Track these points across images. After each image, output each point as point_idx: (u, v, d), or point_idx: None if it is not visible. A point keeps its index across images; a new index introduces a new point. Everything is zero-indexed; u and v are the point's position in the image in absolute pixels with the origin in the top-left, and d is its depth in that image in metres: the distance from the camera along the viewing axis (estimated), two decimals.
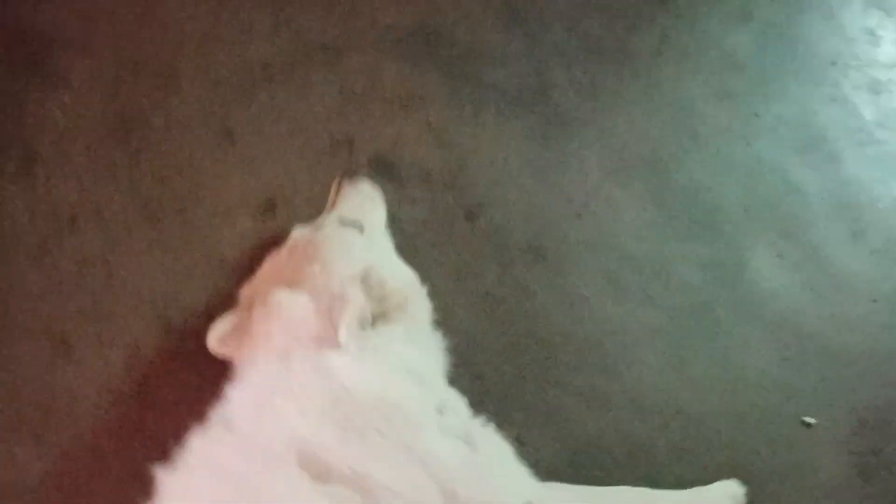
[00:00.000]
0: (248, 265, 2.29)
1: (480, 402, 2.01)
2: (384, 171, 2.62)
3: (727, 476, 2.23)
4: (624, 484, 2.20)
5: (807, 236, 2.64)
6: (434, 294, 2.21)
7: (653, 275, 2.57)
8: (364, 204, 2.29)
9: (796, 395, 2.40)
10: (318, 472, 1.61)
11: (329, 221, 2.17)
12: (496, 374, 2.38)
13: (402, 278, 2.13)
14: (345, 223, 2.14)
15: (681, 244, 2.62)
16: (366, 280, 1.95)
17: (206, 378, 2.04)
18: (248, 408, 1.73)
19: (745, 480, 2.21)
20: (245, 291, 2.08)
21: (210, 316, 2.11)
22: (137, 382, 2.32)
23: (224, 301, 2.17)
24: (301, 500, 1.59)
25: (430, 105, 2.75)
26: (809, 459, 2.32)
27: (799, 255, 2.61)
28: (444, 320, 2.22)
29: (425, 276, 2.22)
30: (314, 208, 2.39)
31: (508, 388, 2.37)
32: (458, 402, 1.91)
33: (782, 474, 2.30)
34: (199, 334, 2.08)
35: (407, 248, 2.43)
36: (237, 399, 1.77)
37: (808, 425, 2.35)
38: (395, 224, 2.47)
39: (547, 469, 2.03)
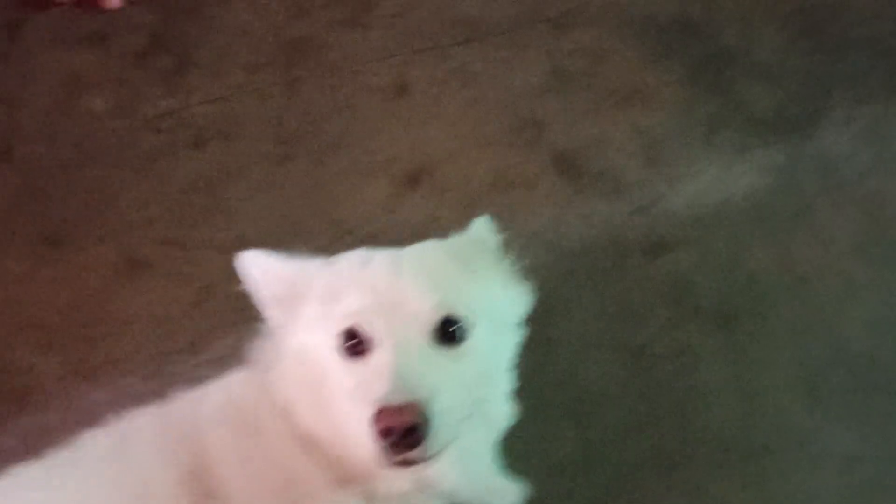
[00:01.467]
0: (367, 238, 1.84)
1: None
2: (566, 171, 2.09)
3: None
4: None
5: None
6: (569, 335, 1.64)
7: (873, 390, 1.84)
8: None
9: None
10: (201, 496, 1.27)
11: None
12: (611, 449, 1.77)
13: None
14: None
15: None
16: None
17: None
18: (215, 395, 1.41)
19: None
20: None
21: None
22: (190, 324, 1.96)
23: None
24: None
25: (653, 107, 2.18)
26: None
27: None
28: (571, 370, 1.65)
29: (567, 308, 1.65)
30: (464, 195, 1.90)
31: (617, 475, 1.76)
32: None
33: None
34: None
35: (558, 268, 1.89)
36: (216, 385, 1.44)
37: None
38: (557, 234, 1.93)
39: None
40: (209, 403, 1.38)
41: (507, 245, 1.41)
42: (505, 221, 1.99)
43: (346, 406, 1.21)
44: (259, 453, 1.30)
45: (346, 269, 1.35)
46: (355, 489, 1.25)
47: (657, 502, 1.74)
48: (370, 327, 1.23)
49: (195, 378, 1.47)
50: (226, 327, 1.92)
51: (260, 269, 1.45)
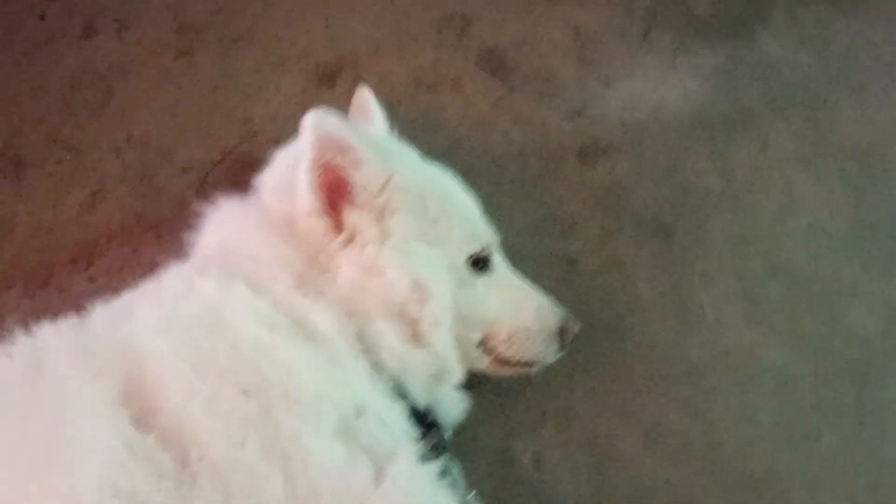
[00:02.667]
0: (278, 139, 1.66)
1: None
2: (495, 70, 1.95)
3: None
4: None
5: None
6: (504, 243, 1.55)
7: (810, 304, 1.78)
8: None
9: None
10: (142, 413, 1.13)
11: None
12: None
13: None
14: None
15: (870, 276, 1.81)
16: None
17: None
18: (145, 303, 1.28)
19: None
20: None
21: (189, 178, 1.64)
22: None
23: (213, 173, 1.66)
24: (98, 440, 1.10)
25: (587, 3, 2.02)
26: None
27: None
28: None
29: (497, 216, 1.51)
30: (386, 92, 1.73)
31: (552, 380, 1.66)
32: (397, 420, 1.28)
33: None
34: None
35: (491, 172, 1.78)
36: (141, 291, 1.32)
37: None
38: (486, 137, 1.80)
39: None
40: (141, 312, 1.23)
41: None
42: (430, 124, 1.86)
43: (448, 317, 1.38)
44: (222, 352, 1.17)
45: (444, 188, 1.47)
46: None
47: (590, 419, 1.65)
48: (489, 251, 1.49)
49: (89, 291, 1.31)
50: (122, 236, 1.75)
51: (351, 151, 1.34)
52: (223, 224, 1.41)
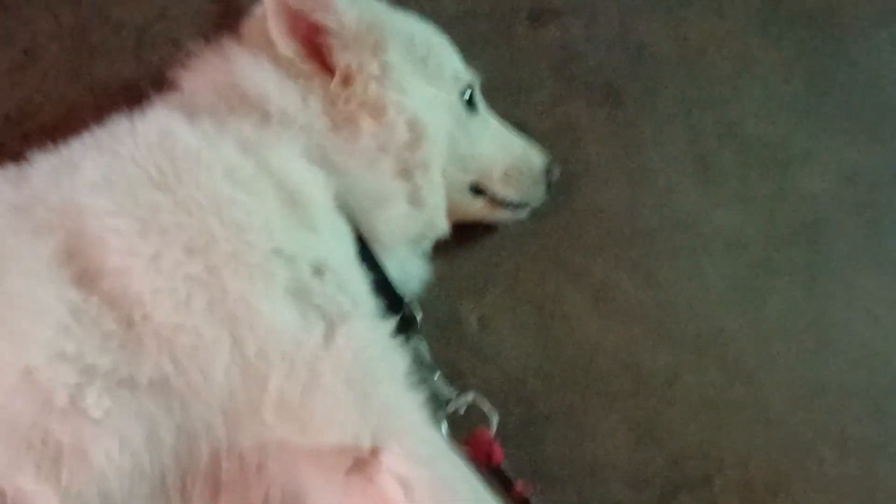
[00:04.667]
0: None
1: None
2: None
3: None
4: None
5: None
6: None
7: (762, 168, 1.76)
8: None
9: None
10: (84, 273, 1.10)
11: None
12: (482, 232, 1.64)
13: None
14: None
15: (822, 140, 1.79)
16: None
17: None
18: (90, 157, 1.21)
19: None
20: None
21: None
22: None
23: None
24: (41, 304, 1.07)
25: None
26: None
27: None
28: None
29: None
30: None
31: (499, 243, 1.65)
32: (359, 285, 1.23)
33: None
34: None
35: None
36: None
37: None
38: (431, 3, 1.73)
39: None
40: (85, 166, 1.17)
41: None
42: None
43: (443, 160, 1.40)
44: (167, 210, 1.11)
45: (421, 26, 1.48)
46: None
47: (538, 281, 1.63)
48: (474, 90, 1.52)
49: (23, 149, 1.25)
50: (57, 94, 1.67)
51: None
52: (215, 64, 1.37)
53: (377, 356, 1.16)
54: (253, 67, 1.33)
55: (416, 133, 1.35)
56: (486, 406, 1.36)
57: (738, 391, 1.57)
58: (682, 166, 1.73)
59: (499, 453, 1.31)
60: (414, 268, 1.45)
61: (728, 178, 1.74)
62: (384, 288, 1.30)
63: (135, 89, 1.43)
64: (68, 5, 1.75)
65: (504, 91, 1.73)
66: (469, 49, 1.68)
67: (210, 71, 1.36)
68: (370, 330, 1.18)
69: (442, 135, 1.41)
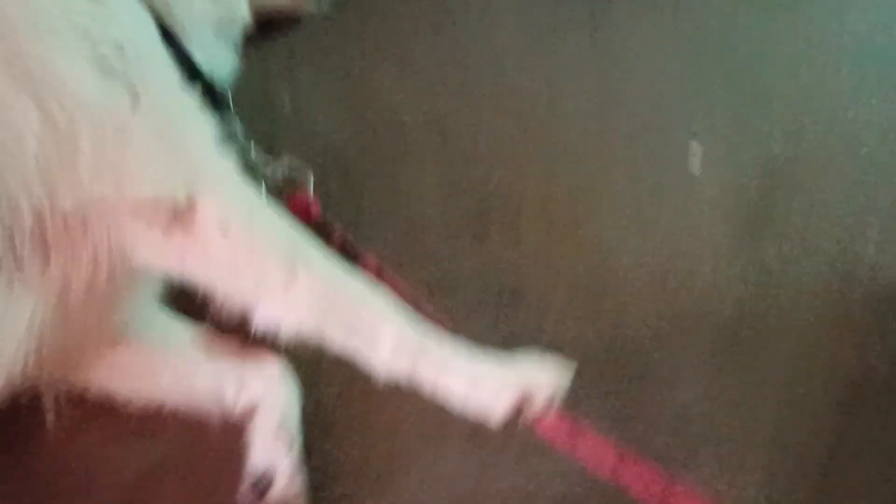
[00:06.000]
0: None
1: None
2: None
3: None
4: None
5: None
6: None
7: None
8: None
9: None
10: None
11: None
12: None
13: None
14: None
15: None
16: None
17: None
18: None
19: None
20: None
21: None
22: None
23: None
24: None
25: None
26: None
27: None
28: None
29: None
30: None
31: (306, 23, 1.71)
32: (160, 59, 1.29)
33: None
34: None
35: None
36: None
37: None
38: None
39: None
40: None
41: None
42: None
43: None
44: None
45: None
46: None
47: (346, 60, 1.72)
48: None
49: None
50: None
51: None
52: None
53: (185, 118, 1.23)
54: None
55: None
56: (300, 167, 1.45)
57: (535, 136, 1.72)
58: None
59: (317, 207, 1.42)
60: (222, 56, 1.50)
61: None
62: (190, 71, 1.36)
63: None
64: None
65: None
66: None
67: None
68: (175, 97, 1.24)
69: None
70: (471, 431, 1.28)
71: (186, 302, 1.30)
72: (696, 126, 1.72)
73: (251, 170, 1.37)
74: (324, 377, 1.43)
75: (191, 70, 1.35)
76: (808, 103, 1.77)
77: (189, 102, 1.25)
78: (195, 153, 1.20)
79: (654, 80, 1.78)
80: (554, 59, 1.78)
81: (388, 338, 1.21)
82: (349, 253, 1.33)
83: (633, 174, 1.70)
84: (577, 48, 1.80)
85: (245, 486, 1.33)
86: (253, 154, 1.43)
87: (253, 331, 1.21)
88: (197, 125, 1.24)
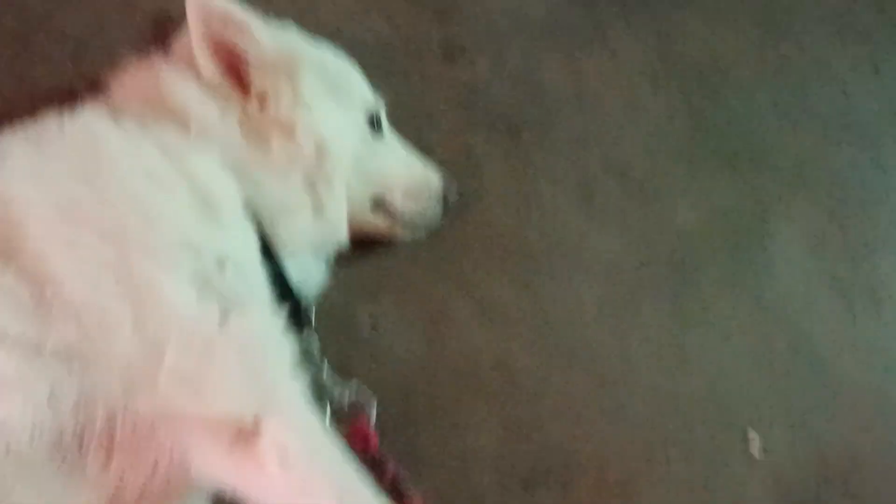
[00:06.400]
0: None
1: None
2: None
3: None
4: None
5: None
6: None
7: (641, 201, 1.96)
8: None
9: None
10: (3, 251, 1.19)
11: None
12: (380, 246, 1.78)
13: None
14: None
15: (697, 178, 2.01)
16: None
17: None
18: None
19: None
20: None
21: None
22: None
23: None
24: None
25: None
26: None
27: None
28: None
29: None
30: None
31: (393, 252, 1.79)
32: (257, 276, 1.37)
33: None
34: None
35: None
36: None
37: None
38: (354, 31, 1.88)
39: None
40: (15, 156, 1.27)
41: None
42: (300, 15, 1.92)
43: (346, 175, 1.54)
44: (88, 201, 1.23)
45: (331, 54, 1.62)
46: None
47: (427, 288, 1.78)
48: (380, 114, 1.66)
49: None
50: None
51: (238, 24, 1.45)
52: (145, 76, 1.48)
53: (267, 340, 1.28)
54: (178, 82, 1.45)
55: (322, 151, 1.48)
56: (365, 393, 1.47)
57: (600, 397, 1.75)
58: (569, 196, 1.91)
59: (375, 440, 1.43)
60: (314, 272, 1.58)
61: (609, 208, 1.93)
62: (282, 286, 1.44)
63: (71, 94, 1.51)
64: (10, 11, 1.87)
65: (411, 119, 1.88)
66: (382, 78, 1.85)
67: (139, 82, 1.48)
68: (263, 317, 1.30)
69: (346, 153, 1.54)
70: None
71: None
72: (756, 413, 1.73)
73: (320, 389, 1.42)
74: None
75: (283, 287, 1.43)
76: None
77: (275, 323, 1.32)
78: (271, 376, 1.25)
79: (724, 354, 1.82)
80: (632, 322, 1.84)
81: None
82: (398, 491, 1.35)
83: (688, 454, 1.70)
84: (656, 312, 1.84)
85: None
86: (325, 374, 1.48)
87: None
88: (278, 348, 1.29)
